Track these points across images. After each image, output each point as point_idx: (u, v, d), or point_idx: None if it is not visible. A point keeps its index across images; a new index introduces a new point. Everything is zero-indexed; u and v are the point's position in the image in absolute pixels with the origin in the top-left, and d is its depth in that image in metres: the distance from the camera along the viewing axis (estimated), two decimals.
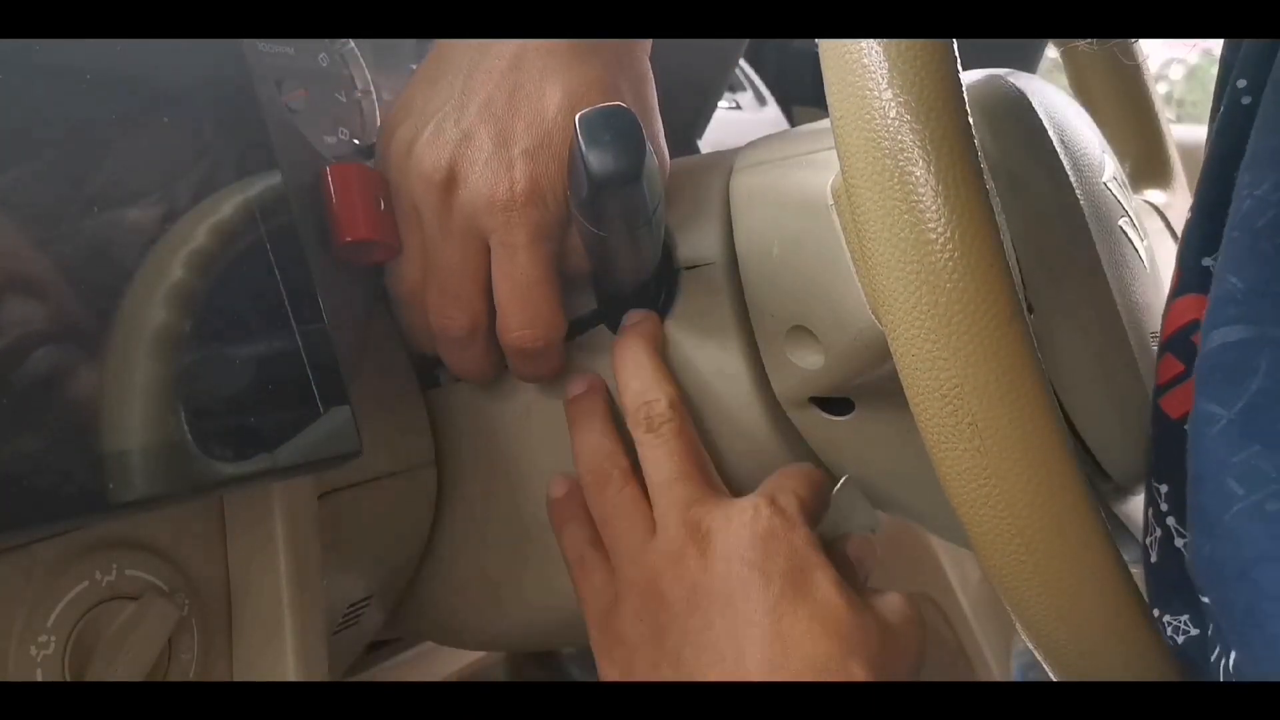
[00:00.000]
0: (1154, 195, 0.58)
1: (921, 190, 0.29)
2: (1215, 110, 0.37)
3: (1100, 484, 0.42)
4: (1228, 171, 0.35)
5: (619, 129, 0.35)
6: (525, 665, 0.91)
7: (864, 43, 0.30)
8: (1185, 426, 0.35)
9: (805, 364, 0.41)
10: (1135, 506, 0.43)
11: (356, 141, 0.52)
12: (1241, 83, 0.36)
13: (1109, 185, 0.43)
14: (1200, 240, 0.37)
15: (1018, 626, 0.33)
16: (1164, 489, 0.38)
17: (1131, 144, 0.60)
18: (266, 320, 0.36)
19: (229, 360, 0.35)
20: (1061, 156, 0.41)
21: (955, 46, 0.30)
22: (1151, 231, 0.48)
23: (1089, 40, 0.56)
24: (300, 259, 0.38)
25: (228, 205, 0.36)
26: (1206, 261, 0.36)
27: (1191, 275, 0.37)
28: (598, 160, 0.35)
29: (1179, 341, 0.37)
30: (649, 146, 0.36)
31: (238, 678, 0.39)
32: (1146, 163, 0.60)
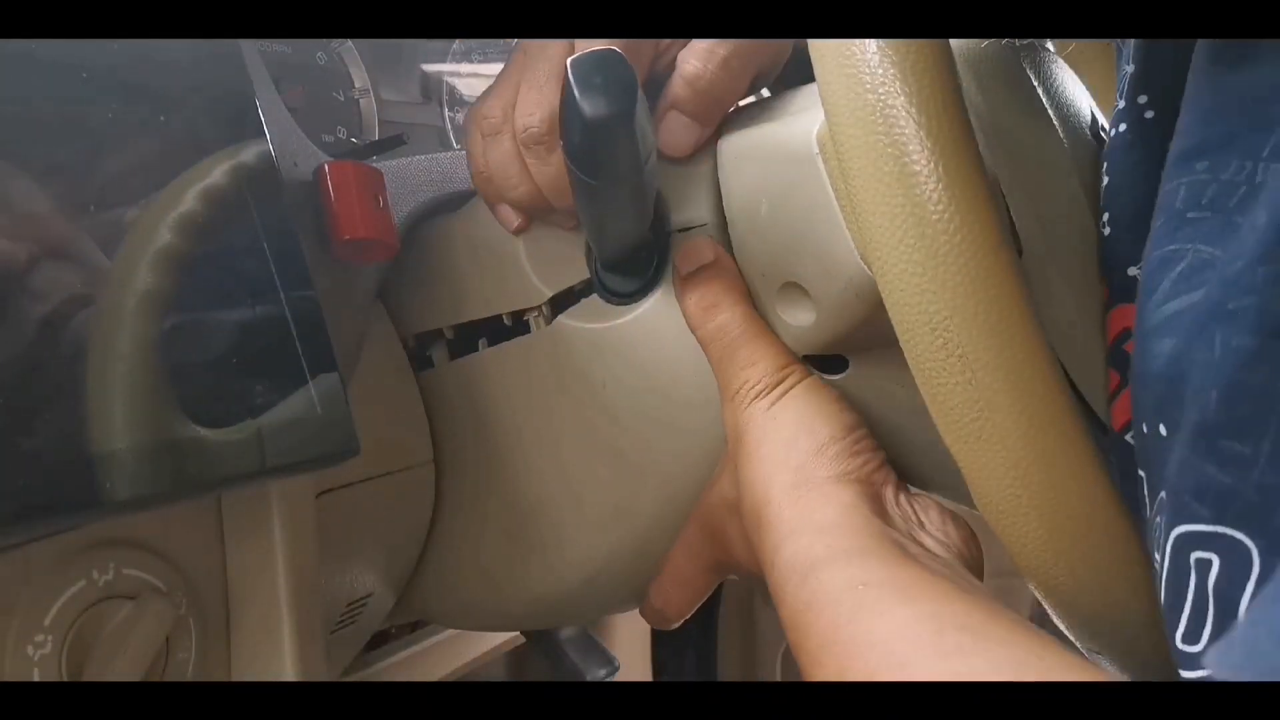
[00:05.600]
0: None
1: (904, 124, 0.29)
2: (1114, 127, 0.38)
3: (1100, 437, 0.42)
4: (1144, 181, 0.35)
5: (610, 72, 0.35)
6: (525, 656, 0.92)
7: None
8: (1126, 437, 0.35)
9: (797, 321, 0.41)
10: None
11: (354, 140, 0.52)
12: (1143, 98, 0.37)
13: (1096, 133, 0.43)
14: (1125, 250, 0.37)
15: (1019, 569, 0.32)
16: None
17: None
18: (264, 319, 0.36)
19: (226, 360, 0.35)
20: (1048, 108, 0.41)
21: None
22: None
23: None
24: (296, 251, 0.38)
25: (226, 203, 0.36)
26: (1133, 271, 0.36)
27: (1120, 286, 0.37)
28: (590, 103, 0.35)
29: (1116, 353, 0.37)
30: (640, 91, 0.36)
31: (236, 677, 0.39)
32: None
